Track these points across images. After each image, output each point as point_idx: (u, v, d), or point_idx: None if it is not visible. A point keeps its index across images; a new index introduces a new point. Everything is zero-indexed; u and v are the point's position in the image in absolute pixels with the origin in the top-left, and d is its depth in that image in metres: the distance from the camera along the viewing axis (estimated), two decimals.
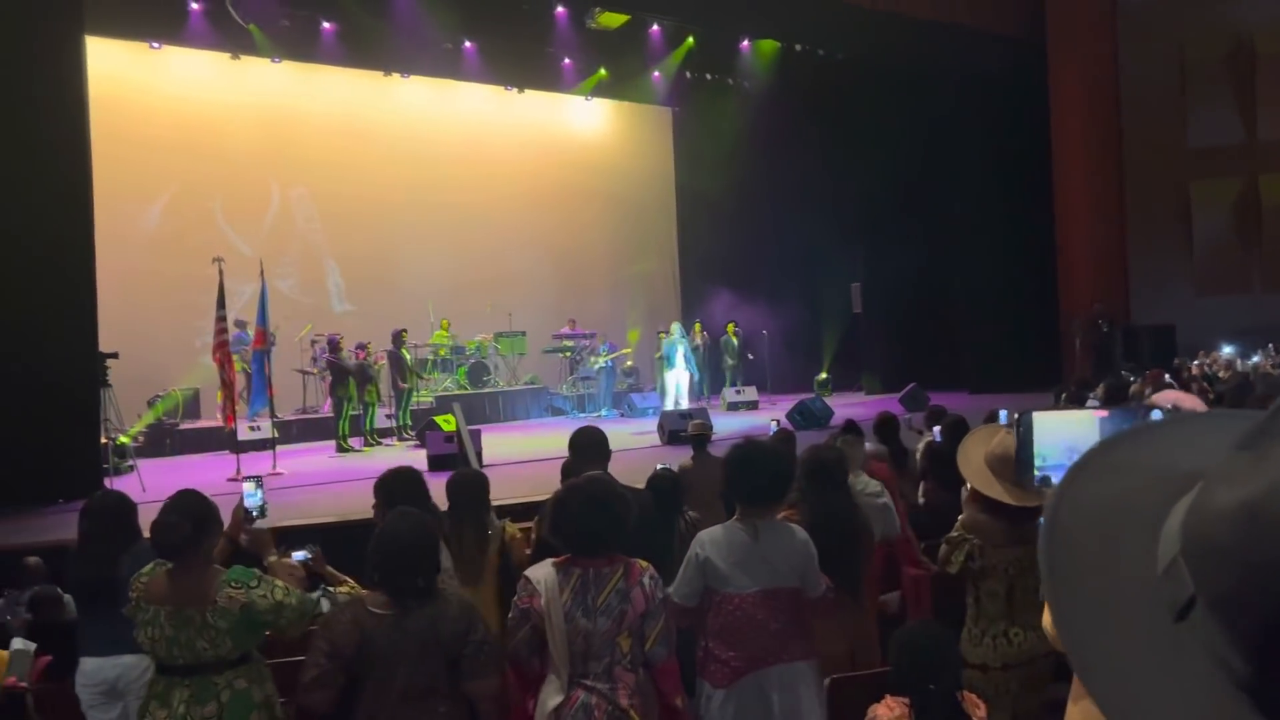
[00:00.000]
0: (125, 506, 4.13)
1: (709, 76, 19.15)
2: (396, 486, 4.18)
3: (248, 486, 3.89)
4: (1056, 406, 8.08)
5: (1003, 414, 7.81)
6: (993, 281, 17.10)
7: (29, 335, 9.49)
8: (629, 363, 17.51)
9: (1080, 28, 17.05)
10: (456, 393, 15.48)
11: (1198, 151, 16.85)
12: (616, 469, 4.29)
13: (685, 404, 14.30)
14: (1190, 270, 17.10)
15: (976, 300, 17.36)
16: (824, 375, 18.28)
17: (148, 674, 3.35)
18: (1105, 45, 17.40)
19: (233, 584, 3.12)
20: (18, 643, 4.01)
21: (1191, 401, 0.93)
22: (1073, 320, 16.73)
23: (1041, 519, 0.77)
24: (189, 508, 3.22)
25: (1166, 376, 9.46)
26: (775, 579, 3.43)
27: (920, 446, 7.10)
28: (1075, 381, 9.41)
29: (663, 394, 15.28)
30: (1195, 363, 12.81)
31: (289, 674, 3.50)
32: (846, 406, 14.44)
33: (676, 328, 15.09)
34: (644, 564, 3.17)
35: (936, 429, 6.92)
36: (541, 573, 3.11)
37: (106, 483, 9.84)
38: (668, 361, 14.83)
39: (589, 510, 3.10)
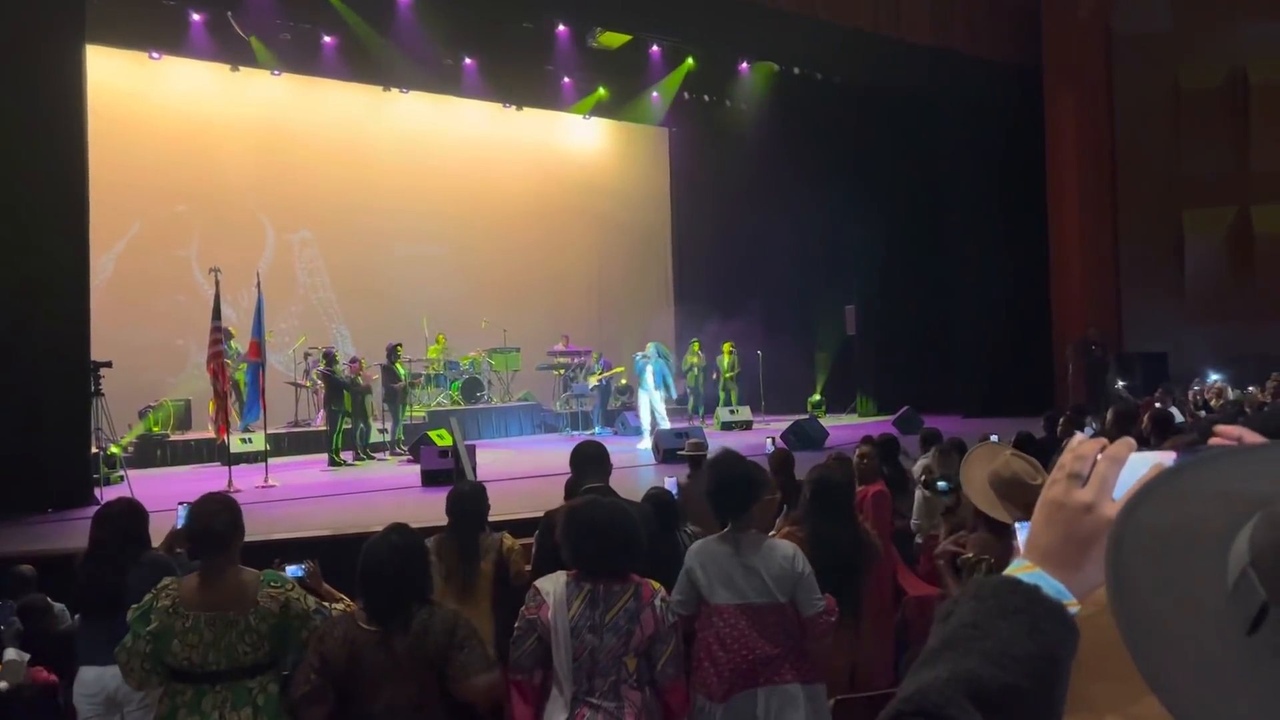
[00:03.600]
0: (138, 514, 4.09)
1: (706, 98, 19.26)
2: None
3: (182, 510, 3.96)
4: (1051, 431, 8.10)
5: (993, 439, 7.82)
6: (986, 306, 17.17)
7: (21, 342, 9.44)
8: (623, 381, 17.48)
9: (1076, 56, 17.18)
10: (450, 408, 15.43)
11: (1191, 180, 16.96)
12: (613, 487, 4.31)
13: (664, 423, 14.11)
14: (1182, 298, 17.18)
15: (970, 324, 17.43)
16: (818, 397, 18.31)
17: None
18: (1100, 73, 17.54)
19: (272, 584, 3.12)
20: (11, 653, 3.96)
21: (1254, 437, 0.97)
22: (1066, 345, 16.78)
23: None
24: (223, 499, 3.26)
25: (1157, 405, 9.51)
26: (758, 594, 3.38)
27: (918, 468, 7.09)
28: (1072, 406, 9.43)
29: (638, 413, 15.07)
30: (1194, 389, 12.91)
31: None
32: (840, 428, 14.45)
33: (651, 347, 14.90)
34: (656, 585, 3.13)
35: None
36: (551, 584, 3.08)
37: (96, 493, 9.78)
38: (642, 381, 14.69)
39: (602, 538, 3.07)
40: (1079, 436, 0.99)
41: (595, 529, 3.09)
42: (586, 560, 3.08)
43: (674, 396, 15.37)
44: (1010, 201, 17.12)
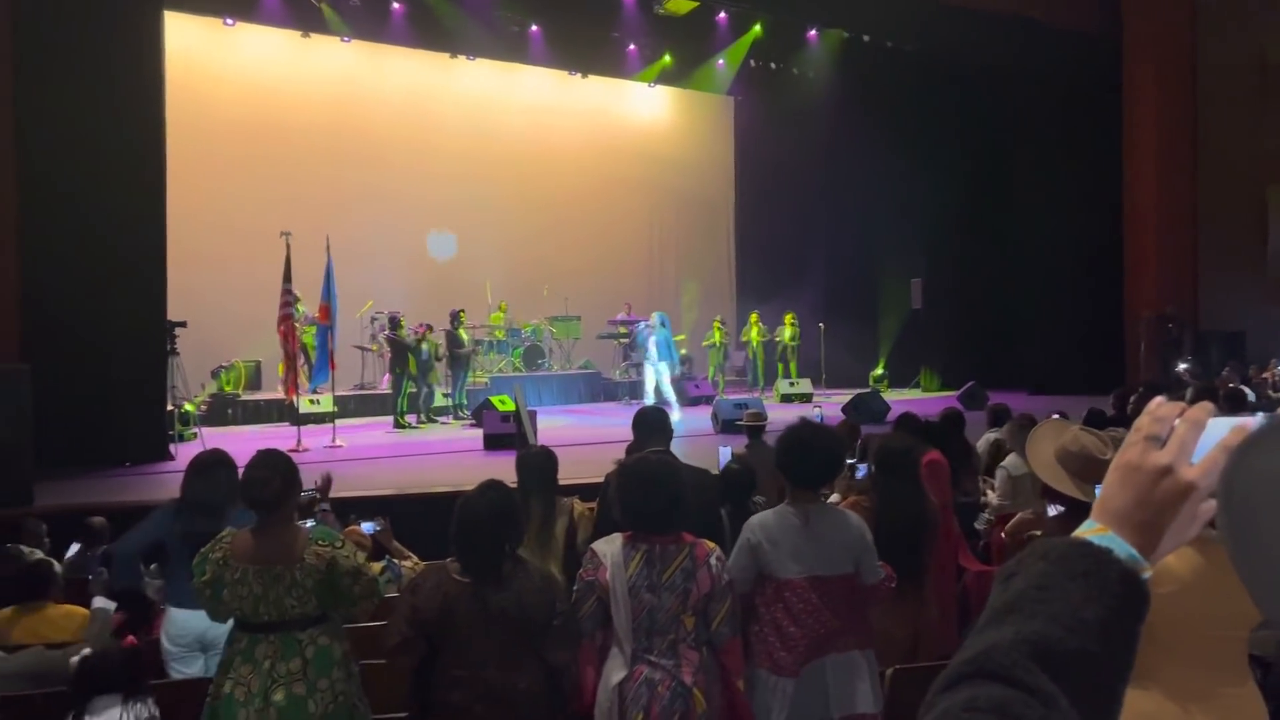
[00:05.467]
0: (229, 465, 4.21)
1: (773, 65, 19.02)
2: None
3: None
4: (1121, 409, 7.93)
5: (1054, 417, 7.69)
6: (1057, 280, 16.80)
7: (102, 303, 9.74)
8: (682, 351, 17.46)
9: (1158, 26, 16.63)
10: (511, 374, 15.61)
11: (1275, 155, 16.36)
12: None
13: (669, 395, 13.81)
14: (1263, 276, 16.64)
15: (1039, 299, 17.07)
16: (880, 370, 18.12)
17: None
18: (1183, 44, 16.96)
19: (319, 542, 3.18)
20: (99, 601, 4.11)
21: None
22: (1139, 322, 16.38)
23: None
24: (276, 464, 3.29)
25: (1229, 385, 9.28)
26: (827, 565, 3.36)
27: (983, 443, 7.02)
28: (1144, 384, 9.22)
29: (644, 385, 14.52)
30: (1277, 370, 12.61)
31: (363, 638, 3.57)
32: (903, 403, 14.30)
33: (655, 317, 14.40)
34: (711, 545, 3.16)
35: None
36: (608, 546, 3.12)
37: (171, 449, 10.09)
38: (646, 352, 14.18)
39: (650, 488, 3.11)
40: (1158, 399, 0.97)
41: (643, 481, 3.13)
42: (636, 513, 3.12)
43: (677, 366, 14.76)
44: (1083, 174, 16.69)
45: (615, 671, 3.04)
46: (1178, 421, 0.92)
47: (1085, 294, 16.71)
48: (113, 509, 6.89)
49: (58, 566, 5.21)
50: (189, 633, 3.99)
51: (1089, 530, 0.91)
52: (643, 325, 14.43)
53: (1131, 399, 7.59)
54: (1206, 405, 0.92)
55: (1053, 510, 3.48)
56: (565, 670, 3.17)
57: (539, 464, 4.48)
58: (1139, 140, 16.88)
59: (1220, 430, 0.88)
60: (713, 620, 3.09)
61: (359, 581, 3.18)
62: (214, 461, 4.27)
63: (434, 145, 17.11)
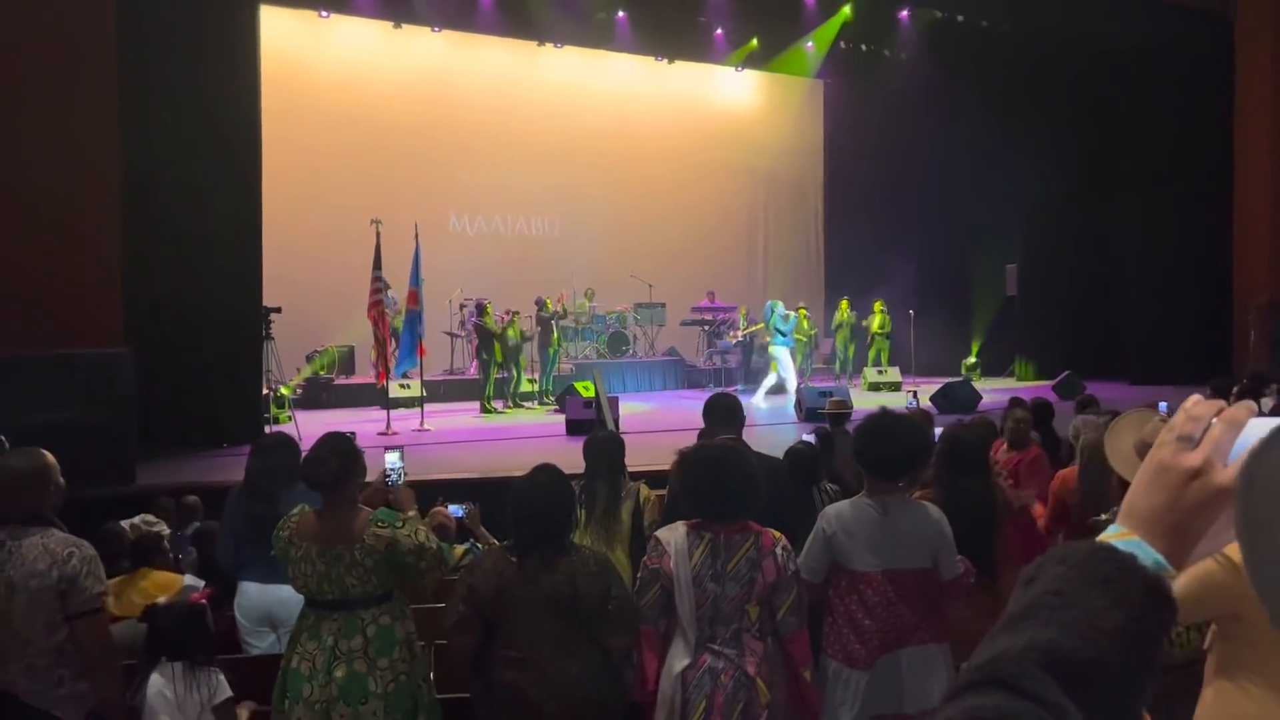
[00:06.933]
0: (292, 447, 4.34)
1: (864, 48, 18.67)
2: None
3: (390, 457, 4.11)
4: (1215, 398, 7.57)
5: (1162, 406, 7.38)
6: (1161, 267, 16.14)
7: (201, 289, 10.06)
8: (766, 338, 17.29)
9: (1274, 3, 15.80)
10: (596, 360, 15.69)
11: None
12: (752, 444, 4.27)
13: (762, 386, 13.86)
14: None
15: (1142, 286, 16.43)
16: (973, 359, 17.69)
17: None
18: None
19: (379, 523, 3.23)
20: (188, 579, 4.26)
21: None
22: (1249, 311, 15.65)
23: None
24: (336, 446, 3.35)
25: None
26: (904, 559, 3.28)
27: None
28: (1249, 374, 8.77)
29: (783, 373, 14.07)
30: None
31: (427, 619, 3.63)
32: (996, 393, 13.93)
33: (780, 305, 13.98)
34: (777, 535, 3.12)
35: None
36: (672, 535, 3.11)
37: (267, 431, 10.39)
38: (785, 340, 13.85)
39: (716, 476, 3.08)
40: (1194, 397, 0.91)
41: (707, 468, 3.10)
42: (701, 501, 3.09)
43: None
44: (1190, 155, 15.98)
45: (678, 660, 3.03)
46: (1214, 421, 0.86)
47: (1192, 281, 16.01)
48: (208, 488, 7.14)
49: (165, 533, 5.40)
50: (258, 607, 4.12)
51: (1114, 535, 0.86)
52: (774, 310, 14.01)
53: (1233, 390, 7.24)
54: (1248, 404, 0.87)
55: None
56: (624, 657, 3.17)
57: (605, 448, 4.49)
58: (1251, 119, 16.09)
59: (1261, 432, 0.82)
60: (778, 610, 3.06)
61: (423, 557, 3.23)
62: (274, 444, 4.41)
63: (521, 133, 17.28)
